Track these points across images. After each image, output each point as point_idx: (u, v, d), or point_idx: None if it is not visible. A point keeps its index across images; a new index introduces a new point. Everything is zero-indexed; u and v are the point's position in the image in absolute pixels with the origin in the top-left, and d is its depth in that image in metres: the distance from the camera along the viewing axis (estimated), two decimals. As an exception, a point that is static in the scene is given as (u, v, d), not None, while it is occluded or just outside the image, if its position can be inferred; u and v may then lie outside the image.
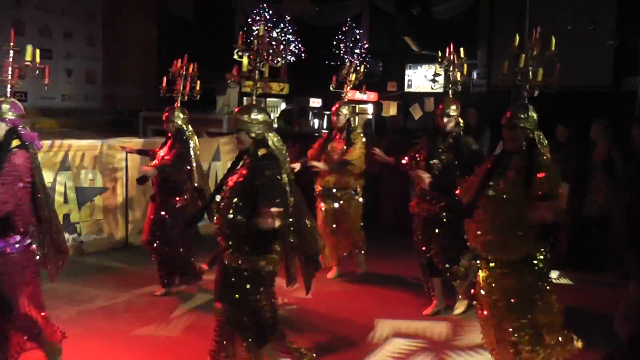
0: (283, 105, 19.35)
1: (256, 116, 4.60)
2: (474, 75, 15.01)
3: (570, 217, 8.77)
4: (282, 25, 17.97)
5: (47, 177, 8.58)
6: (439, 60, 6.92)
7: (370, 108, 16.54)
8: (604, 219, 8.50)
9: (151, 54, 16.76)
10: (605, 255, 8.62)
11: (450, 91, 6.82)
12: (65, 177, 8.88)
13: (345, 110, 8.11)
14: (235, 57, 4.85)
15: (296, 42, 18.01)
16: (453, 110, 6.69)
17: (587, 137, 8.78)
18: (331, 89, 8.41)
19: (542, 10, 12.45)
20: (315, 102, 14.95)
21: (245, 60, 4.84)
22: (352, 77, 8.31)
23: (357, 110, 8.81)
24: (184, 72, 7.57)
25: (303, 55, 17.59)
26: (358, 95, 13.58)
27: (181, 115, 7.39)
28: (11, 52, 4.79)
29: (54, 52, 15.10)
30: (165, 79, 7.64)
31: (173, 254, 7.26)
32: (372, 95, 16.84)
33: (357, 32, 17.97)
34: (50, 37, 14.90)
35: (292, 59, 17.65)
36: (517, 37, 5.03)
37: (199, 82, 7.64)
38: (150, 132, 12.25)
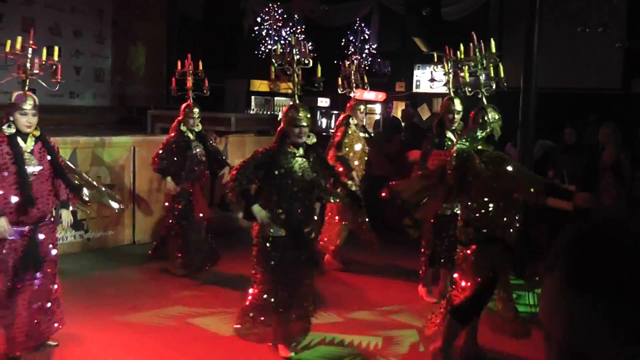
0: (291, 105, 19.36)
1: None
2: (483, 75, 14.93)
3: (579, 219, 8.73)
4: (290, 24, 18.00)
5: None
6: (445, 60, 7.08)
7: (378, 108, 16.53)
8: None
9: (160, 52, 16.79)
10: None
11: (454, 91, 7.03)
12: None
13: None
14: (276, 66, 5.67)
15: (304, 42, 18.04)
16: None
17: (596, 139, 8.74)
18: (339, 91, 8.54)
19: (552, 12, 12.42)
20: (323, 102, 14.94)
21: (272, 68, 5.64)
22: (353, 75, 8.52)
23: (365, 110, 8.95)
24: (191, 71, 7.87)
25: (312, 54, 17.59)
26: (366, 95, 13.57)
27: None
28: (30, 49, 5.11)
29: (63, 50, 15.10)
30: (174, 79, 8.09)
31: None
32: (380, 95, 16.85)
33: (366, 32, 17.99)
34: (59, 34, 14.94)
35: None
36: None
37: (207, 79, 8.07)
38: (158, 130, 12.26)
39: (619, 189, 8.41)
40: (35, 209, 5.08)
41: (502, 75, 5.58)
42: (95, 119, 14.76)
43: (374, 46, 17.95)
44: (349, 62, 8.60)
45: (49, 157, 5.19)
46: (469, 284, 5.28)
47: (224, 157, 8.71)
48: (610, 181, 8.47)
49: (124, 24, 16.20)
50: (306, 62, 5.61)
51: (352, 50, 17.56)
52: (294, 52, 5.54)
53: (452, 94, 7.06)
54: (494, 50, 5.40)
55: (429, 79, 7.59)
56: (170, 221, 8.04)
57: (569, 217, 8.56)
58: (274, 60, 5.57)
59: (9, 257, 5.06)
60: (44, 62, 5.25)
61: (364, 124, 8.85)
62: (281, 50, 5.67)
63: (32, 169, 5.07)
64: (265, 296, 5.39)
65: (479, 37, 5.81)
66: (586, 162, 8.71)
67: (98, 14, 15.86)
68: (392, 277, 8.36)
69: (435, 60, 7.26)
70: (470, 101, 6.96)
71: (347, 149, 8.34)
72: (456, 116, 7.01)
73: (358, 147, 8.39)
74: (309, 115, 5.49)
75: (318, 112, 14.84)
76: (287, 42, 5.58)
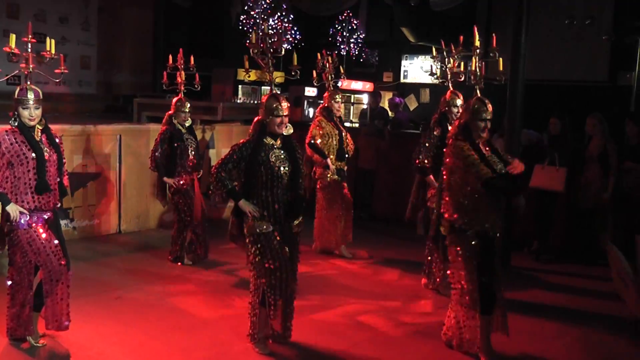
0: (279, 94, 19.25)
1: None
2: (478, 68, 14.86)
3: (565, 210, 8.80)
4: (279, 13, 17.90)
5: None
6: (433, 55, 7.23)
7: (365, 98, 16.48)
8: (598, 211, 8.51)
9: (147, 40, 16.64)
10: (598, 248, 8.64)
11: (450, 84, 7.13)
12: (58, 163, 8.81)
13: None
14: (253, 55, 5.48)
15: (293, 31, 17.95)
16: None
17: (583, 130, 8.79)
18: (315, 83, 8.57)
19: (540, 4, 12.41)
20: (311, 91, 14.85)
21: (246, 57, 5.57)
22: (328, 67, 8.50)
23: (343, 100, 8.92)
24: (182, 65, 8.02)
25: (300, 44, 17.52)
26: (354, 85, 13.50)
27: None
28: (29, 43, 5.39)
29: (49, 37, 14.98)
30: (165, 74, 8.19)
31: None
32: (367, 85, 16.81)
33: (355, 21, 17.92)
34: (44, 21, 14.79)
35: (289, 47, 17.56)
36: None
37: (197, 75, 8.14)
38: (144, 119, 12.17)
39: (604, 180, 8.46)
40: (52, 194, 5.32)
41: (501, 68, 5.81)
42: (81, 107, 14.64)
43: (362, 36, 17.89)
44: (323, 55, 8.56)
45: (54, 148, 5.35)
46: (460, 273, 5.36)
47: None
48: (597, 172, 8.52)
49: (110, 11, 16.04)
50: (278, 50, 5.48)
51: (340, 39, 17.51)
52: (267, 40, 5.44)
53: (451, 87, 7.18)
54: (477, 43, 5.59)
55: (429, 72, 7.66)
56: (175, 216, 8.14)
57: (585, 218, 8.63)
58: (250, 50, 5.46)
59: (48, 244, 5.40)
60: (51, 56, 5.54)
61: (342, 114, 8.79)
62: (270, 39, 5.57)
63: (46, 154, 5.25)
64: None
65: (466, 29, 5.90)
66: (571, 151, 8.76)
67: (84, 1, 15.71)
68: (380, 267, 8.38)
69: (436, 53, 7.32)
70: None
71: (325, 139, 8.39)
72: (458, 110, 7.07)
73: (333, 138, 8.40)
74: (288, 105, 5.39)
75: (305, 102, 14.74)
76: (260, 30, 5.49)
